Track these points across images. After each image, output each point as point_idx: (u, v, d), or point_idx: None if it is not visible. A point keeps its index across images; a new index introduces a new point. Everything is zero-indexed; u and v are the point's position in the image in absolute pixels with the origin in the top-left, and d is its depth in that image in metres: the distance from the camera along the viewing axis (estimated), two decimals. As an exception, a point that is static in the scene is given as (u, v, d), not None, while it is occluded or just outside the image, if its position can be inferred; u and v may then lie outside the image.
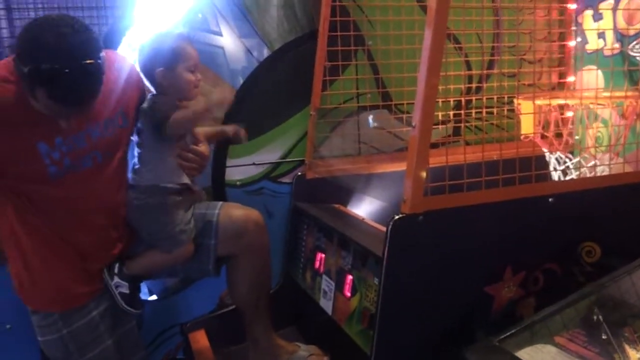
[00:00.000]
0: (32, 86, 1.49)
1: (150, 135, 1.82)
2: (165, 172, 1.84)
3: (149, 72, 1.84)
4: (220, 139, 2.15)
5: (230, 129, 2.04)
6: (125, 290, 1.82)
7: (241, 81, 2.51)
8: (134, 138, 1.86)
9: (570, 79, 2.81)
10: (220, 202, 2.02)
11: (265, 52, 2.54)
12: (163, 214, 1.83)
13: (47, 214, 1.70)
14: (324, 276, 2.21)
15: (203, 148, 1.92)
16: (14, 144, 1.58)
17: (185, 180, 1.87)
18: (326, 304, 2.15)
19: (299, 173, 2.59)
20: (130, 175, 1.86)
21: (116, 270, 1.82)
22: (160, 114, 1.78)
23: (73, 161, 1.66)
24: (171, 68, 1.81)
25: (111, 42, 2.25)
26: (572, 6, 2.79)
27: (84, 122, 1.67)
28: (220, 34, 2.48)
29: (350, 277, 2.01)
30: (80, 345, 1.77)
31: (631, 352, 1.32)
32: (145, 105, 1.83)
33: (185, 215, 1.87)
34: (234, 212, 1.97)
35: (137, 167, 1.85)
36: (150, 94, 1.86)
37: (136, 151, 1.86)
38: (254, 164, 2.57)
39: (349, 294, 2.00)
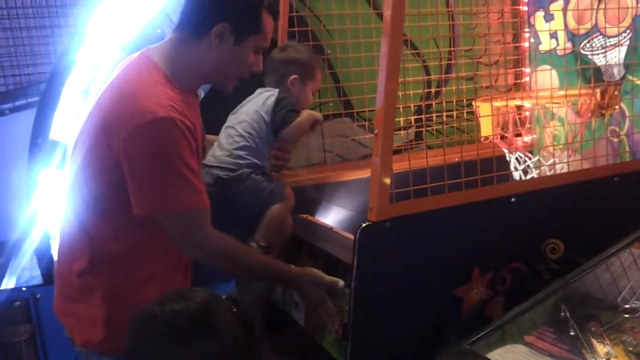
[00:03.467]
0: None
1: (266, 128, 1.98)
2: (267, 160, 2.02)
3: (283, 71, 2.02)
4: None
5: (316, 113, 2.10)
6: None
7: (202, 95, 2.48)
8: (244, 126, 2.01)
9: (526, 79, 2.87)
10: None
11: (225, 65, 2.52)
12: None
13: None
14: (295, 287, 2.19)
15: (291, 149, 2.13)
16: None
17: None
18: (298, 316, 2.13)
19: (265, 185, 2.57)
20: (242, 153, 1.96)
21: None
22: (284, 115, 1.96)
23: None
24: (304, 81, 2.03)
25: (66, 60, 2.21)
26: (524, 8, 2.85)
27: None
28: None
29: (320, 287, 2.00)
30: None
31: (599, 347, 1.35)
32: (275, 97, 1.98)
33: None
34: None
35: (250, 148, 1.96)
36: (270, 89, 2.02)
37: (250, 135, 1.98)
38: (219, 177, 2.54)
39: (320, 305, 1.99)
